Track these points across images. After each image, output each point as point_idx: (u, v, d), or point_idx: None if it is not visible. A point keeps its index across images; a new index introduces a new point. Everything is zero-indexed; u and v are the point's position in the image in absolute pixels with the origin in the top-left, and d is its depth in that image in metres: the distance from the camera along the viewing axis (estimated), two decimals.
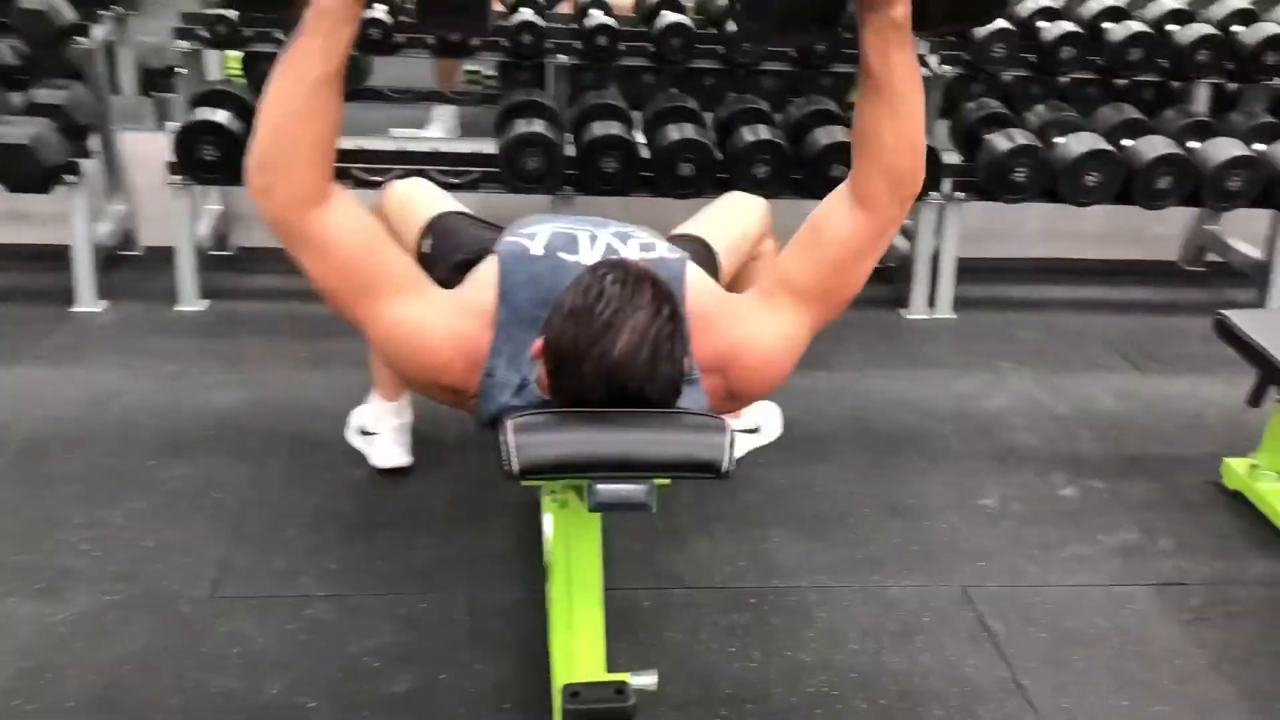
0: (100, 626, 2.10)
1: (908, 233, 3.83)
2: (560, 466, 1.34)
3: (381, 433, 2.63)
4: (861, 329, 3.54)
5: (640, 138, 3.41)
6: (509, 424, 1.36)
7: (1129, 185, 3.40)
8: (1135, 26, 3.58)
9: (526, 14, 3.46)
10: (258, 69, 3.78)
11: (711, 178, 3.30)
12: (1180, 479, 2.81)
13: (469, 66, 4.95)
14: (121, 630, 2.09)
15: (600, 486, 1.34)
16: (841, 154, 3.30)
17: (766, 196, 3.27)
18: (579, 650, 1.74)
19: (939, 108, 3.78)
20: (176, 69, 3.83)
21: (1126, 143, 3.50)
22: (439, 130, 4.64)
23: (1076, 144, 3.41)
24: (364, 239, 1.64)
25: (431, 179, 3.32)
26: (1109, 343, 3.54)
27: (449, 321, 1.65)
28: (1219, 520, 2.64)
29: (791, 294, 1.70)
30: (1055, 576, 2.41)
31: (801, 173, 3.34)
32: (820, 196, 3.28)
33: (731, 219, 2.38)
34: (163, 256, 3.66)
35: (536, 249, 1.72)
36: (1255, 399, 2.65)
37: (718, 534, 2.47)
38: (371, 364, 2.62)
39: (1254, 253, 3.87)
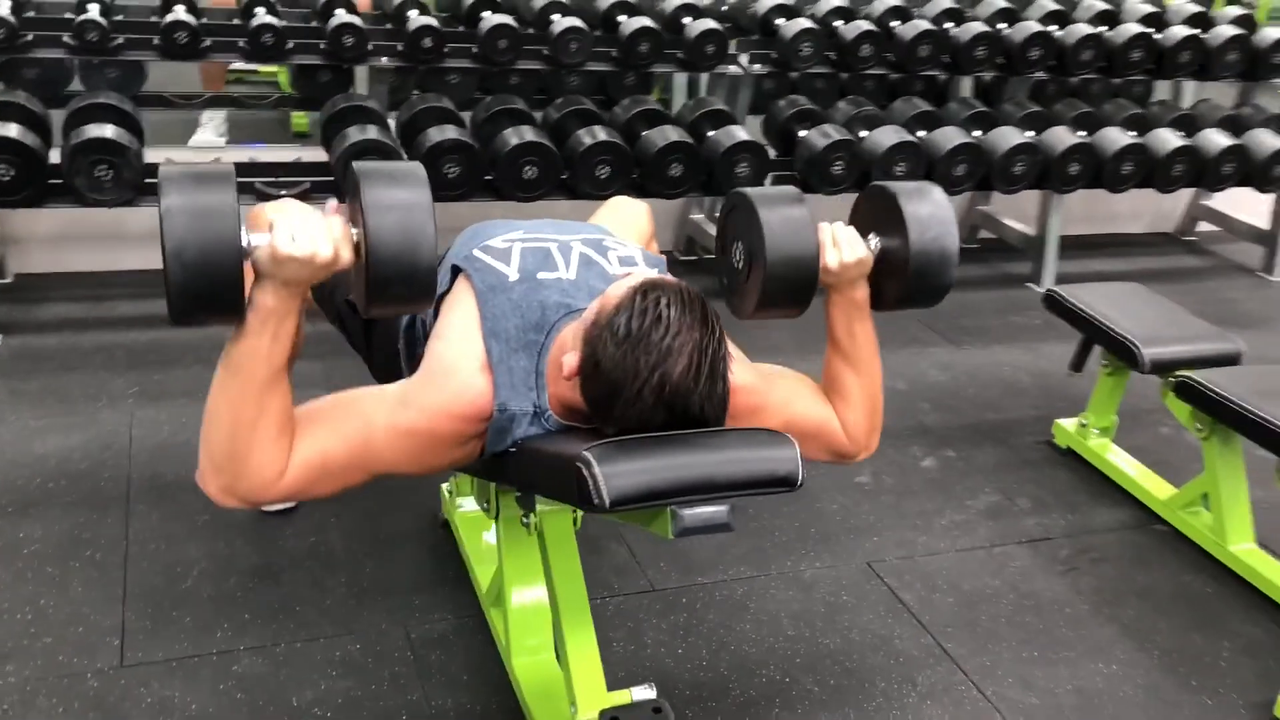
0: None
1: None
2: (648, 495, 1.32)
3: None
4: None
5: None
6: (589, 455, 1.33)
7: (930, 173, 3.67)
8: (922, 25, 3.86)
9: (345, 16, 3.31)
10: (19, 76, 3.42)
11: (555, 180, 3.29)
12: (1016, 441, 3.08)
13: (234, 67, 4.69)
14: (27, 718, 1.87)
15: (685, 512, 1.34)
16: (677, 154, 3.37)
17: (608, 196, 3.34)
18: (580, 675, 1.73)
19: (749, 104, 3.94)
20: None
21: (922, 134, 3.77)
22: (210, 135, 4.37)
23: (883, 137, 3.64)
24: (331, 437, 1.54)
25: (257, 189, 3.16)
26: (918, 319, 3.81)
27: (434, 402, 1.57)
28: (1059, 476, 2.92)
29: (784, 401, 1.74)
30: (942, 544, 2.59)
31: (639, 172, 3.38)
32: (660, 195, 3.38)
33: (629, 226, 2.38)
34: None
35: (512, 274, 1.67)
36: (1078, 364, 2.95)
37: (630, 539, 2.49)
38: None
39: (1025, 229, 4.27)
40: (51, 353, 3.13)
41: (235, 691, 1.98)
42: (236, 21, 3.36)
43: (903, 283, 1.70)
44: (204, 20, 3.24)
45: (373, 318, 1.83)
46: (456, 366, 1.58)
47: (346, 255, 1.45)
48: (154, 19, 3.25)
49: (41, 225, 3.52)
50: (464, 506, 2.40)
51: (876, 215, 1.75)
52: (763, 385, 1.69)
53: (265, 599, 2.22)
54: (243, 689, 1.99)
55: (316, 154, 3.40)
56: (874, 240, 1.73)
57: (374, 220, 1.42)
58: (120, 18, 3.25)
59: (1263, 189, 4.20)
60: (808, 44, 3.74)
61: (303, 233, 1.42)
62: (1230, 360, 2.64)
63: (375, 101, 3.39)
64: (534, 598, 1.99)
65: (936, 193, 1.74)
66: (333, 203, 1.51)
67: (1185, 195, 4.82)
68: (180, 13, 3.17)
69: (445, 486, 2.47)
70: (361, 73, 3.63)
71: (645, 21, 3.57)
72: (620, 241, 1.84)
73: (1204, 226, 4.92)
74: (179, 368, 3.10)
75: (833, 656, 2.20)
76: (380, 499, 2.56)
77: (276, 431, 1.49)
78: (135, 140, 2.99)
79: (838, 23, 3.88)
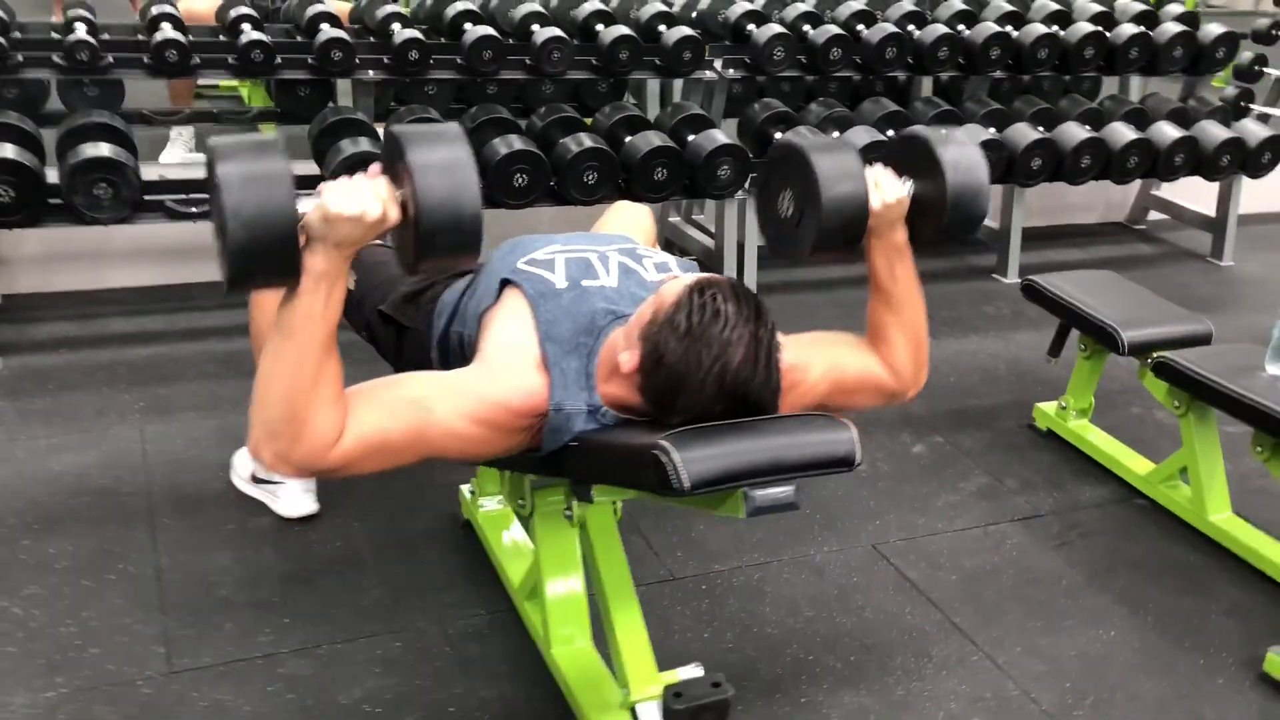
0: None
1: (710, 232, 4.08)
2: (724, 478, 1.42)
3: (288, 481, 2.51)
4: None
5: None
6: (666, 444, 1.42)
7: None
8: (887, 28, 3.99)
9: (332, 31, 3.36)
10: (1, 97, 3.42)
11: (544, 187, 3.37)
12: (999, 425, 3.22)
13: (203, 81, 4.71)
14: None
15: (757, 493, 1.44)
16: (661, 158, 3.47)
17: (596, 201, 3.43)
18: (631, 658, 1.82)
19: (723, 108, 4.05)
20: None
21: (891, 133, 3.91)
22: (180, 151, 4.38)
23: (856, 137, 3.77)
24: (385, 411, 1.59)
25: None
26: None
27: (493, 394, 1.63)
28: (1042, 457, 3.06)
29: (829, 364, 1.84)
30: (941, 524, 2.71)
31: (625, 177, 3.47)
32: (645, 199, 3.47)
33: (636, 229, 2.47)
34: None
35: (559, 281, 1.76)
36: (1056, 350, 3.10)
37: (646, 530, 2.58)
38: None
39: (989, 223, 4.42)
40: (52, 372, 3.14)
41: (285, 693, 2.04)
42: (223, 38, 3.39)
43: (939, 219, 1.80)
44: (191, 38, 3.27)
45: (420, 274, 1.85)
46: (515, 362, 1.66)
47: (394, 213, 1.51)
48: (141, 37, 3.28)
49: (28, 245, 3.52)
50: (486, 506, 2.48)
51: (905, 161, 1.85)
52: (803, 361, 1.77)
53: (301, 603, 2.27)
54: (291, 690, 2.05)
55: (304, 167, 3.44)
56: (907, 183, 1.83)
57: (420, 173, 1.48)
58: (106, 36, 3.27)
59: (1211, 178, 4.40)
60: (780, 48, 3.86)
61: (351, 193, 1.48)
62: (1202, 340, 2.80)
63: (363, 114, 3.44)
64: (569, 589, 2.07)
65: (960, 133, 1.85)
66: (375, 166, 1.56)
67: (1135, 185, 5.01)
68: (168, 30, 3.20)
69: (465, 488, 2.54)
70: (343, 85, 3.67)
71: (624, 30, 3.66)
72: (650, 250, 1.93)
73: (1154, 215, 5.12)
74: (182, 382, 3.13)
75: (850, 635, 2.31)
76: (400, 503, 2.63)
77: (333, 396, 1.53)
78: (131, 157, 3.02)
79: (806, 27, 4.00)
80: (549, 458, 1.67)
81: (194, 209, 3.11)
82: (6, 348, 3.24)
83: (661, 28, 3.80)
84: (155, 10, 3.30)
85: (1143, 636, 2.35)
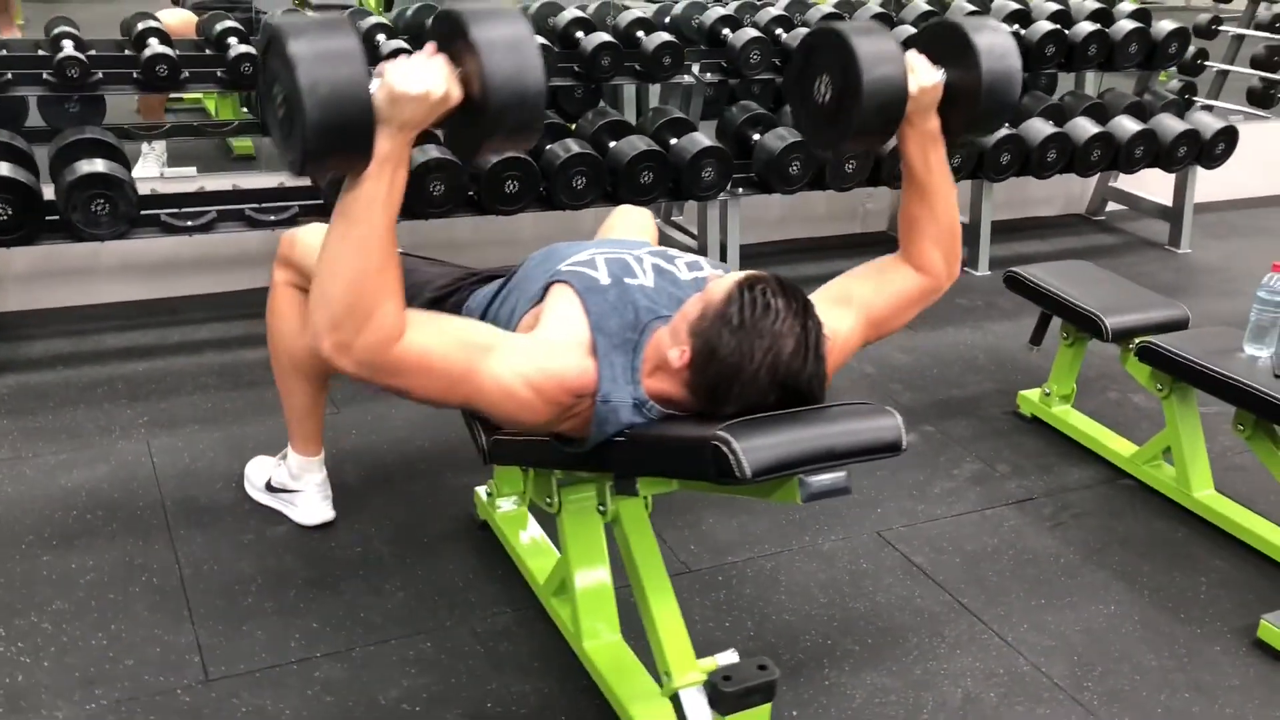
0: None
1: (692, 233, 4.15)
2: (782, 465, 1.48)
3: (306, 489, 2.54)
4: None
5: None
6: (726, 434, 1.49)
7: (878, 167, 3.91)
8: None
9: None
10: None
11: (534, 192, 3.42)
12: (984, 413, 3.32)
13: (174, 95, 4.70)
14: None
15: (812, 479, 1.51)
16: (647, 162, 3.53)
17: (585, 206, 3.49)
18: (670, 646, 1.88)
19: (700, 111, 4.13)
20: None
21: None
22: (153, 165, 4.37)
23: None
24: (447, 337, 1.64)
25: (247, 216, 3.22)
26: None
27: (545, 366, 1.68)
28: (1029, 442, 3.16)
29: (858, 309, 1.92)
30: (940, 510, 2.81)
31: (613, 181, 3.53)
32: (633, 202, 3.54)
33: (644, 232, 2.54)
34: None
35: (603, 279, 1.81)
36: (1037, 338, 3.21)
37: (658, 526, 2.60)
38: (289, 419, 2.51)
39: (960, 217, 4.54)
40: (50, 389, 3.13)
41: (323, 695, 2.07)
42: (210, 52, 3.40)
43: (973, 106, 1.83)
44: (179, 52, 3.28)
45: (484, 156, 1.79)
46: (568, 343, 1.71)
47: (456, 92, 1.53)
48: (128, 52, 3.28)
49: (16, 263, 3.50)
50: (503, 507, 2.53)
51: (937, 49, 1.87)
52: (830, 326, 1.78)
53: (329, 608, 2.31)
54: (329, 693, 2.08)
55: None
56: (940, 70, 1.86)
57: (487, 49, 1.48)
58: (93, 53, 3.27)
59: (1169, 169, 4.55)
60: (755, 52, 3.94)
61: (415, 71, 1.49)
62: (1179, 325, 2.92)
63: None
64: (598, 583, 2.13)
65: (994, 21, 1.89)
66: (430, 46, 1.59)
67: (1094, 178, 5.16)
68: (157, 45, 3.21)
69: (481, 490, 2.58)
70: None
71: (605, 37, 3.73)
72: (677, 251, 2.00)
73: (1112, 206, 5.28)
74: (182, 395, 3.14)
75: (865, 618, 2.39)
76: (416, 507, 2.66)
77: (396, 287, 1.54)
78: (126, 173, 3.03)
79: (779, 31, 4.09)
80: (593, 451, 1.72)
81: (189, 223, 3.13)
82: (1, 366, 3.23)
83: (640, 34, 3.87)
84: (141, 26, 3.30)
85: (1141, 610, 2.45)
